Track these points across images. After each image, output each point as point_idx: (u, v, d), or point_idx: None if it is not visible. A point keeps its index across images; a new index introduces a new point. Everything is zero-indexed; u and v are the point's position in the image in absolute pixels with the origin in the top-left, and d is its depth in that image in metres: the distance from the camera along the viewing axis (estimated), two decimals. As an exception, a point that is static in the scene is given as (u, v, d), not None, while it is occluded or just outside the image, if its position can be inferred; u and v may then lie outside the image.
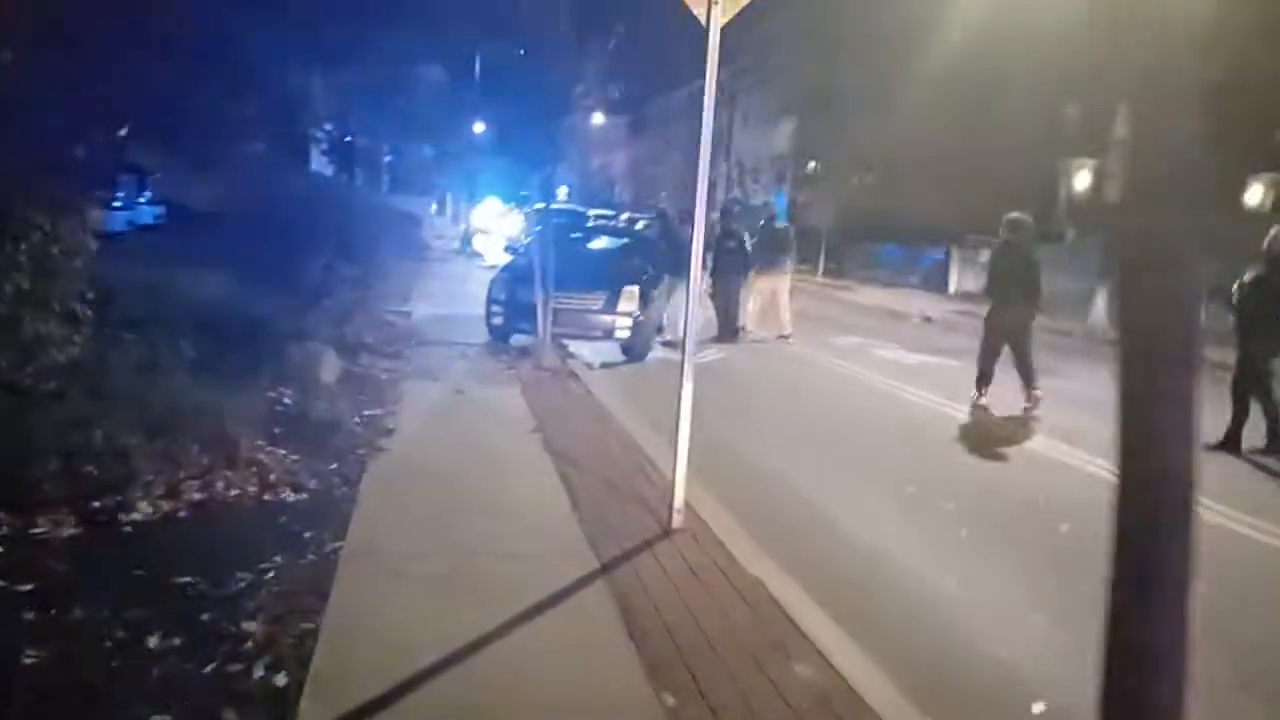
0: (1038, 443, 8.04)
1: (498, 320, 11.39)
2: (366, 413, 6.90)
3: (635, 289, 11.34)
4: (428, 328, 12.34)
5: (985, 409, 9.29)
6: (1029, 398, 9.14)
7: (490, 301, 11.51)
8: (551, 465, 6.06)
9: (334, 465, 5.49)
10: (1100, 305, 17.81)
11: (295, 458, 5.39)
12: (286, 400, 6.34)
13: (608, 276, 11.73)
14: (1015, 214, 9.50)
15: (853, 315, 20.72)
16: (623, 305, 11.21)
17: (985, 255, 26.02)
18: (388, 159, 37.58)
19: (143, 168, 19.78)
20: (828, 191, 36.56)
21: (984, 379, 9.41)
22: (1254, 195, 25.98)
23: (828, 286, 29.48)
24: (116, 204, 17.13)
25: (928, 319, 20.67)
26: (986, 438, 8.22)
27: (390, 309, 13.54)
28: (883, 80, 40.02)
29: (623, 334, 11.23)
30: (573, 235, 13.05)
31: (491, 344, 11.45)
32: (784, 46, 44.27)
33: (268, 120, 31.11)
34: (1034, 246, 9.74)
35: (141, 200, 19.76)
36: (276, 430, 5.72)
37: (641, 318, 11.29)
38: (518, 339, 11.42)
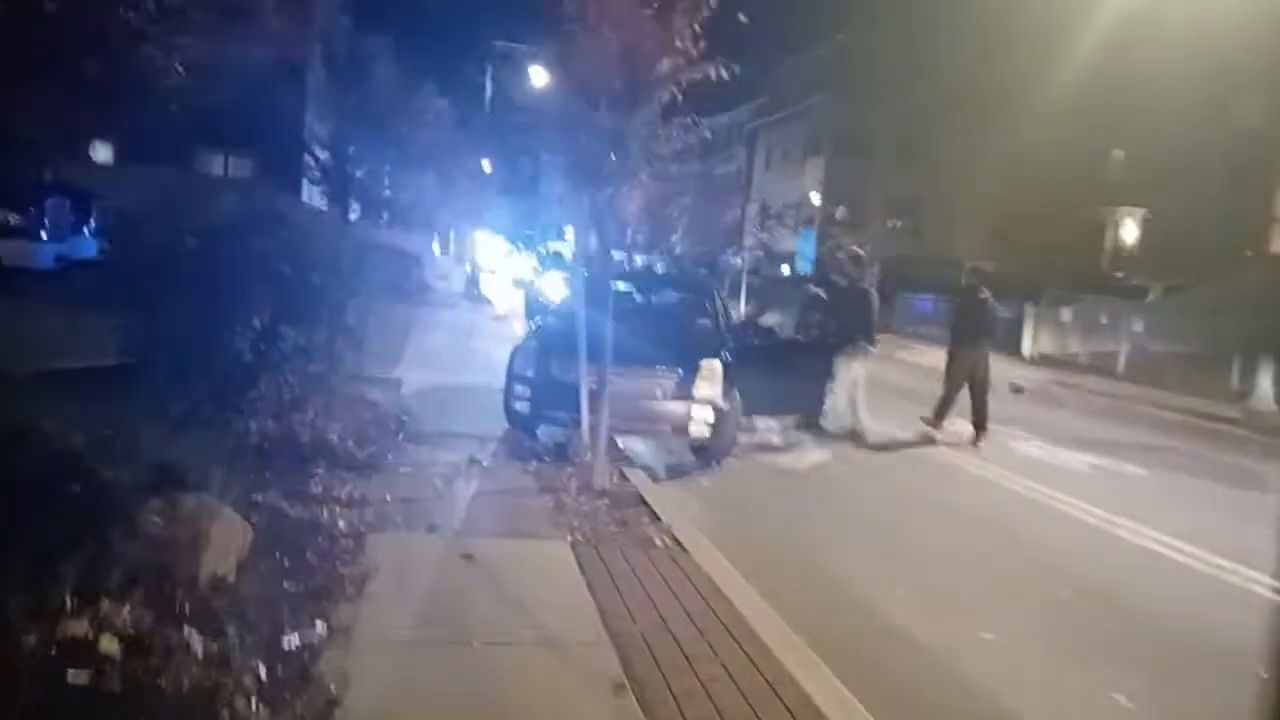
0: None
1: (522, 406, 7.98)
2: (289, 638, 3.47)
3: (717, 364, 7.96)
4: (422, 408, 8.96)
5: (933, 439, 10.08)
6: (979, 436, 10.07)
7: (513, 379, 8.11)
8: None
9: None
10: (1268, 383, 14.03)
11: None
12: (108, 652, 2.91)
13: (676, 346, 8.39)
14: (977, 261, 10.59)
15: (930, 383, 16.89)
16: (702, 388, 7.82)
17: (1067, 314, 22.77)
18: (387, 192, 34.44)
19: (87, 191, 16.51)
20: (865, 238, 33.31)
21: (942, 414, 10.23)
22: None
23: (882, 344, 26.11)
24: (42, 235, 13.88)
25: (1018, 389, 17.23)
26: None
27: (374, 375, 10.19)
28: (915, 122, 37.32)
29: (700, 430, 7.82)
30: (620, 287, 9.65)
31: (513, 437, 8.07)
32: (811, 86, 41.50)
33: (246, 142, 27.96)
34: (989, 291, 10.53)
35: (85, 231, 16.44)
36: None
37: (726, 406, 7.90)
38: (549, 430, 8.05)
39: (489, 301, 24.98)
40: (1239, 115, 31.86)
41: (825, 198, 41.18)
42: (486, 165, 46.63)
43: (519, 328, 16.97)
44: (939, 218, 38.79)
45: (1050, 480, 8.54)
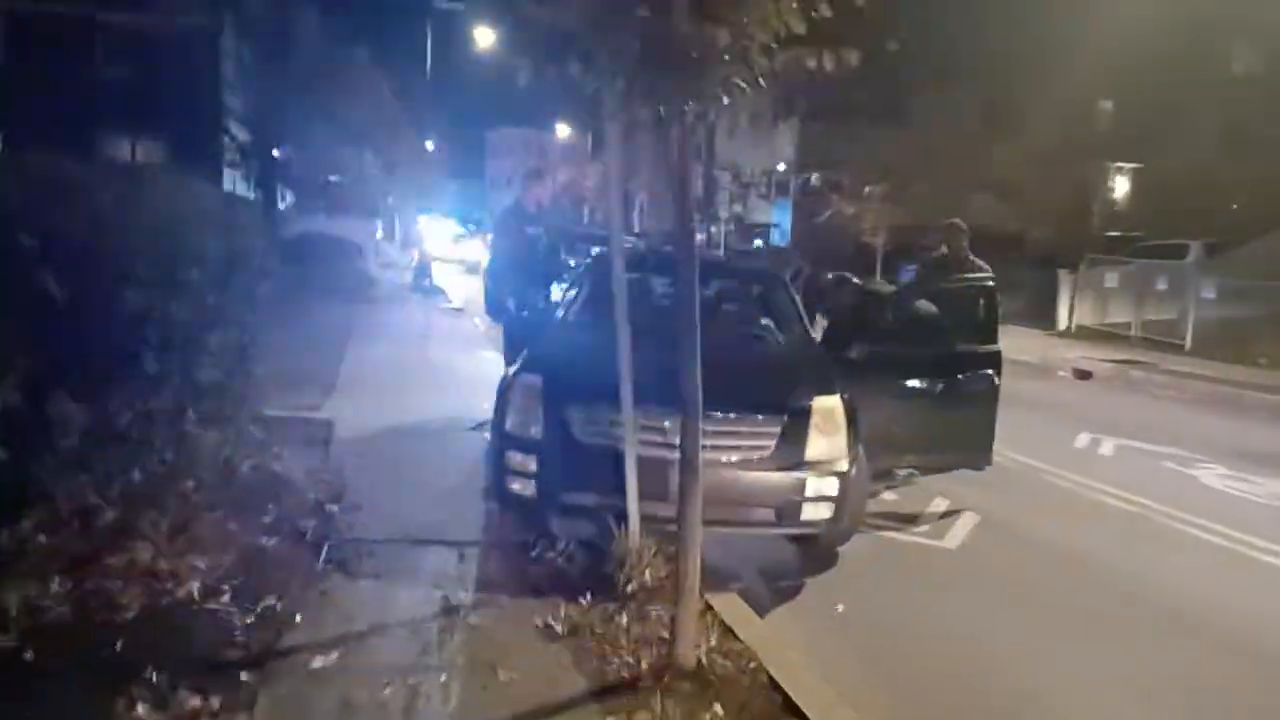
0: None
1: (523, 487, 4.78)
2: None
3: (837, 405, 4.89)
4: (361, 480, 5.77)
5: None
6: None
7: (506, 441, 4.91)
8: None
9: None
10: None
11: None
12: None
13: (751, 373, 5.31)
14: (955, 220, 8.09)
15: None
16: (818, 444, 4.74)
17: (1113, 279, 20.00)
18: (323, 178, 30.81)
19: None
20: (855, 205, 30.40)
21: None
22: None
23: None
24: None
25: (1083, 374, 14.53)
26: None
27: (295, 414, 7.06)
28: (893, 80, 34.72)
29: (819, 513, 4.75)
30: (641, 277, 6.44)
31: (509, 533, 4.95)
32: (782, 43, 38.47)
33: (154, 124, 24.10)
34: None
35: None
36: None
37: (851, 471, 4.85)
38: (568, 523, 4.92)
39: (442, 293, 21.67)
40: (1236, 61, 29.97)
41: (800, 164, 38.34)
42: (430, 145, 42.95)
43: (481, 324, 13.86)
44: (922, 180, 36.28)
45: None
